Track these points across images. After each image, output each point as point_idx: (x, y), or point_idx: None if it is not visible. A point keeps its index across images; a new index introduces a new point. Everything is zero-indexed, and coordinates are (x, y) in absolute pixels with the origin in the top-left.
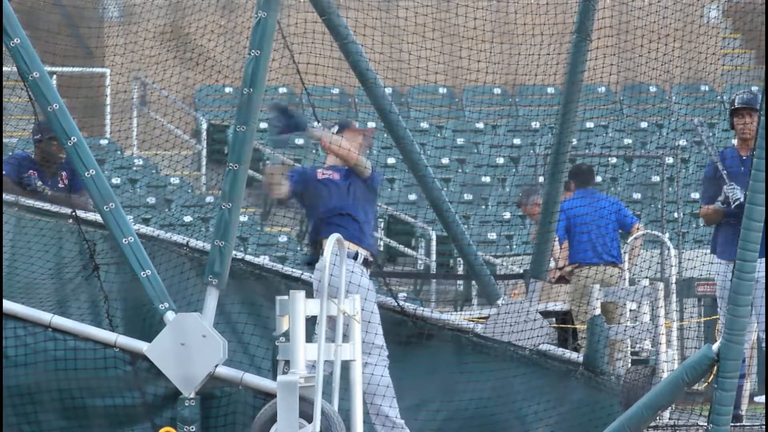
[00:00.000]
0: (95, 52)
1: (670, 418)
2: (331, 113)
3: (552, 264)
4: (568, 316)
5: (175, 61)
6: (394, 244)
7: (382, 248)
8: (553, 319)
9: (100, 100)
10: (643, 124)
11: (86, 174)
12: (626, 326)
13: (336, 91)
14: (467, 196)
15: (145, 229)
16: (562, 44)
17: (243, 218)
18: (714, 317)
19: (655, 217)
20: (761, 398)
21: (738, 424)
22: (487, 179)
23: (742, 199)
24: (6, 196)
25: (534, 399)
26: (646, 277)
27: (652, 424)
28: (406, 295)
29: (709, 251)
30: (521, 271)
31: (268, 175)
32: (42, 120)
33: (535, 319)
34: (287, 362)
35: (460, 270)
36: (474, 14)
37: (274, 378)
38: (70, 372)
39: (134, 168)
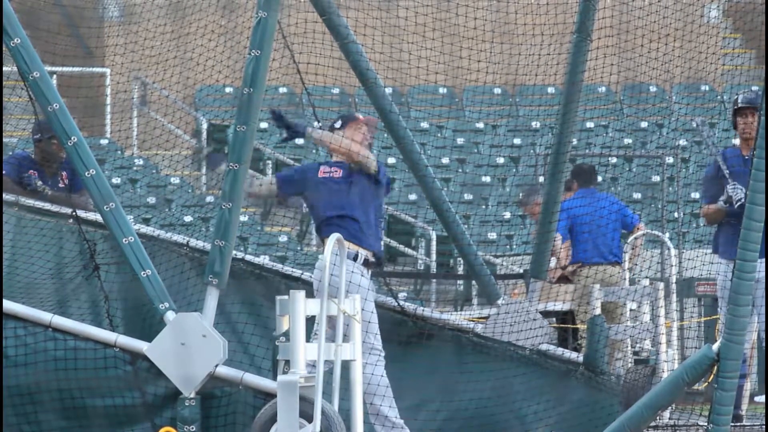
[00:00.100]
0: (95, 51)
1: (670, 418)
2: (331, 113)
3: (553, 263)
4: (568, 315)
5: (175, 61)
6: (394, 244)
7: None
8: (554, 319)
9: (100, 99)
10: (644, 124)
11: (86, 174)
12: (626, 326)
13: (336, 90)
14: (467, 196)
15: (145, 229)
16: (562, 44)
17: (243, 218)
18: (714, 317)
19: (656, 216)
20: (761, 398)
21: (738, 424)
22: (487, 179)
23: (744, 199)
24: (6, 196)
25: (534, 399)
26: (647, 277)
27: (652, 424)
28: (406, 294)
29: (709, 251)
30: (521, 271)
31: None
32: (41, 119)
33: (535, 319)
34: (287, 362)
35: (461, 270)
36: (474, 14)
37: (275, 378)
38: (70, 372)
39: (134, 168)
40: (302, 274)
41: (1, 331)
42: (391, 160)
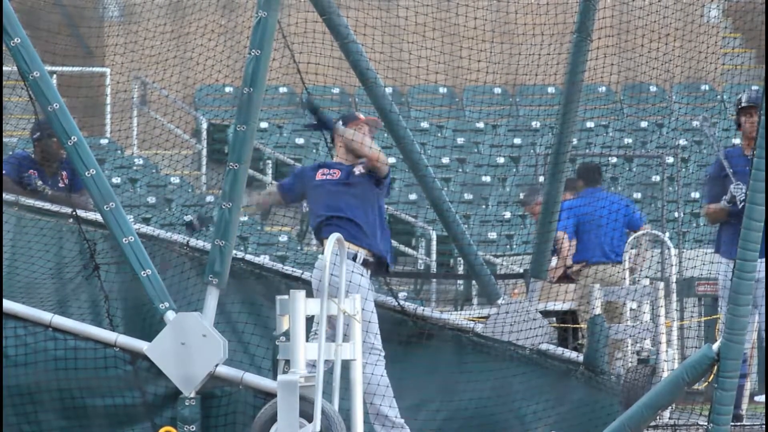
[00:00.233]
0: (95, 51)
1: (670, 418)
2: (331, 113)
3: (554, 263)
4: (568, 315)
5: (175, 61)
6: (394, 243)
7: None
8: (554, 319)
9: (100, 99)
10: (644, 124)
11: (86, 173)
12: (626, 326)
13: (336, 90)
14: (467, 196)
15: (145, 229)
16: (562, 44)
17: (243, 218)
18: (714, 317)
19: (656, 216)
20: (761, 398)
21: (738, 423)
22: (487, 179)
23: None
24: (6, 196)
25: (534, 398)
26: (647, 277)
27: (653, 423)
28: (406, 294)
29: (709, 250)
30: (521, 270)
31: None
32: (41, 118)
33: (535, 319)
34: (287, 362)
35: (461, 269)
36: (474, 14)
37: (275, 377)
38: (71, 372)
39: (134, 167)
40: (302, 273)
41: (1, 331)
42: (391, 160)
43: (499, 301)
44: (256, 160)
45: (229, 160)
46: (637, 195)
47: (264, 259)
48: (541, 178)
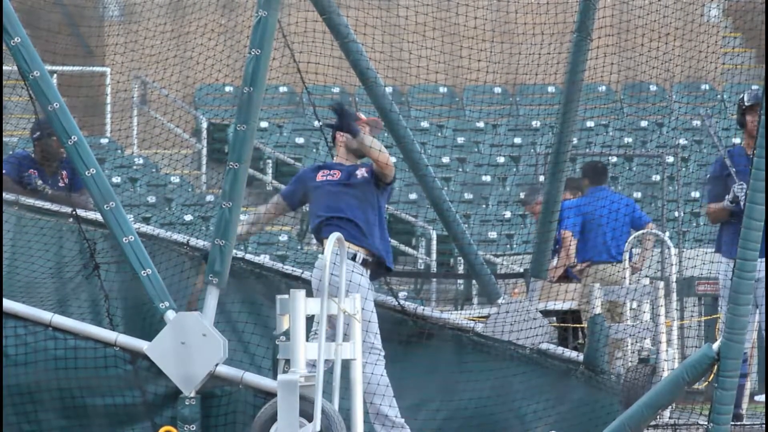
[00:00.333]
0: (95, 51)
1: (670, 417)
2: (331, 112)
3: (554, 262)
4: (568, 314)
5: (175, 60)
6: (394, 243)
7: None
8: (554, 318)
9: (100, 99)
10: (644, 123)
11: (86, 173)
12: (626, 325)
13: (336, 90)
14: (468, 195)
15: (145, 228)
16: (562, 43)
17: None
18: (714, 316)
19: (656, 216)
20: (761, 397)
21: (738, 423)
22: (487, 178)
23: None
24: (6, 196)
25: (534, 398)
26: (647, 276)
27: (653, 423)
28: (406, 294)
29: (709, 250)
30: (522, 270)
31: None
32: (41, 118)
33: (535, 318)
34: (287, 361)
35: (461, 269)
36: (474, 13)
37: (275, 377)
38: (71, 371)
39: (134, 167)
40: (302, 273)
41: (1, 331)
42: (391, 159)
43: (500, 301)
44: (256, 160)
45: (229, 159)
46: (637, 194)
47: (264, 259)
48: (542, 178)
